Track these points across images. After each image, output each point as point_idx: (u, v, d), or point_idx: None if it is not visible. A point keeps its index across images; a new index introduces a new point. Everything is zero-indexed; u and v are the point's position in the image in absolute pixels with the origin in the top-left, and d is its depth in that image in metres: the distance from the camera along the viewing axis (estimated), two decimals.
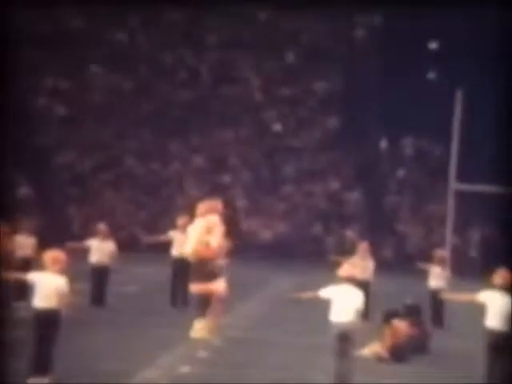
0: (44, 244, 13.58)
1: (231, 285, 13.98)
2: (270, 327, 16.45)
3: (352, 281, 13.20)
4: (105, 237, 17.88)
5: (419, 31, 34.05)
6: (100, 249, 17.74)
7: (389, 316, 14.77)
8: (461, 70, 31.53)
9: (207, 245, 13.33)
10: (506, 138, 30.50)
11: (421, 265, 19.04)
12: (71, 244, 16.46)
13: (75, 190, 32.74)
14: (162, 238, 18.93)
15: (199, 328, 13.48)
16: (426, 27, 33.91)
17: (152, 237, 20.76)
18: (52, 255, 10.55)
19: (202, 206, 13.72)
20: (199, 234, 13.45)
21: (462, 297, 12.39)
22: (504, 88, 31.97)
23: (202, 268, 13.31)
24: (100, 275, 17.59)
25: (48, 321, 10.24)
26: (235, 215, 14.15)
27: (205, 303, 13.46)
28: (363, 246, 18.66)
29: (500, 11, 32.04)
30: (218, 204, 13.72)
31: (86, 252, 17.71)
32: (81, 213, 31.75)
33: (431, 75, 35.94)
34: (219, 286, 13.34)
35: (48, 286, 10.32)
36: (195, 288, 13.49)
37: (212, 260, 13.33)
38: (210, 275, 13.29)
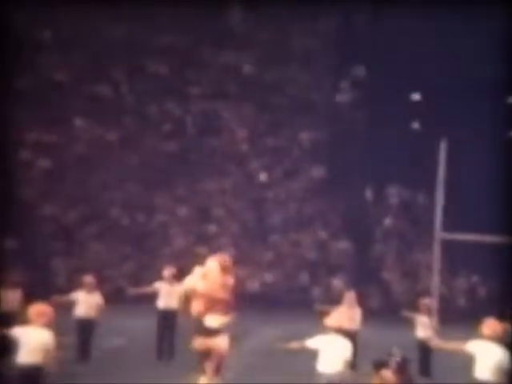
0: (29, 297, 13.48)
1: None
2: (255, 378, 16.31)
3: (339, 331, 13.15)
4: (91, 289, 17.76)
5: (403, 82, 34.37)
6: (86, 302, 17.61)
7: (378, 366, 14.67)
8: (445, 121, 31.81)
9: (212, 299, 13.06)
10: (491, 187, 30.66)
11: (407, 314, 19.00)
12: (57, 297, 16.33)
13: (60, 243, 32.62)
14: (147, 289, 18.83)
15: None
16: (410, 78, 34.24)
17: (137, 288, 20.65)
18: (37, 309, 10.46)
19: (209, 260, 13.42)
20: (193, 279, 13.23)
21: (451, 345, 12.33)
22: (487, 137, 32.25)
23: (203, 323, 13.07)
24: (86, 328, 17.44)
25: (31, 377, 10.12)
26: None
27: (204, 360, 13.22)
28: (350, 296, 18.61)
29: (482, 61, 32.44)
30: (225, 258, 13.45)
31: (71, 305, 17.57)
32: (66, 265, 31.60)
33: (415, 125, 36.21)
34: (221, 342, 13.09)
35: (33, 341, 10.22)
36: (197, 343, 13.22)
37: (214, 315, 13.05)
38: (212, 331, 13.01)
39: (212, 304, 12.93)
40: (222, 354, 13.08)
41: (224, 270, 13.15)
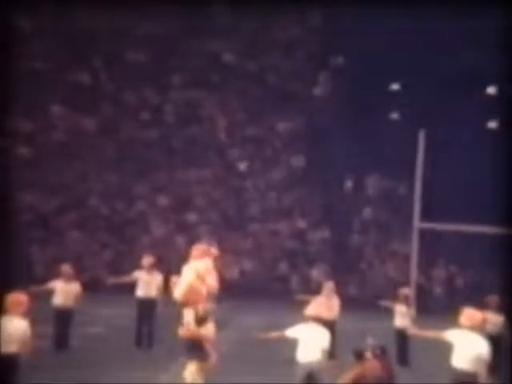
0: (6, 286, 13.40)
1: None
2: (235, 368, 16.32)
3: (318, 320, 13.19)
4: (69, 278, 17.69)
5: (382, 72, 34.41)
6: (64, 291, 17.54)
7: (358, 355, 14.73)
8: (424, 111, 31.90)
9: (194, 289, 13.17)
10: (470, 177, 30.79)
11: (385, 303, 19.07)
12: (35, 287, 16.25)
13: (38, 232, 32.47)
14: (126, 278, 18.78)
15: (192, 371, 13.25)
16: (389, 68, 34.28)
17: (116, 278, 20.60)
18: (14, 298, 10.40)
19: (195, 250, 13.58)
20: (190, 277, 13.30)
21: (429, 334, 12.37)
22: (466, 126, 32.38)
23: (190, 312, 13.14)
24: (64, 318, 17.37)
25: (8, 366, 10.07)
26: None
27: (195, 347, 13.25)
28: (328, 285, 18.66)
29: (461, 52, 32.52)
30: (211, 248, 13.63)
31: (49, 294, 17.50)
32: (44, 254, 31.46)
33: (394, 115, 36.28)
34: (209, 330, 13.18)
35: (9, 330, 10.16)
36: (185, 332, 13.27)
37: (202, 305, 13.16)
38: (200, 320, 13.13)
39: (202, 296, 13.05)
40: (208, 340, 13.13)
41: (215, 263, 13.35)
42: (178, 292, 13.39)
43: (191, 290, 13.11)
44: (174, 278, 13.54)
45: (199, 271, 13.20)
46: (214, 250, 13.58)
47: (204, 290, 13.17)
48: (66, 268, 17.90)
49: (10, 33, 34.90)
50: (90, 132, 35.40)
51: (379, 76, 34.44)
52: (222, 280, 13.42)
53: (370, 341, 15.65)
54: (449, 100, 32.80)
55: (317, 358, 12.88)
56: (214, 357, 13.31)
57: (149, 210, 34.07)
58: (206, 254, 13.46)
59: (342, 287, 22.13)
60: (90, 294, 18.99)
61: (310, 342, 13.01)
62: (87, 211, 33.57)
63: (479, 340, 11.72)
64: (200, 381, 13.27)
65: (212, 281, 13.18)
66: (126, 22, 35.97)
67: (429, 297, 29.84)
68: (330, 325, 15.45)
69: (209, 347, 13.22)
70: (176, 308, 13.27)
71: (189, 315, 13.02)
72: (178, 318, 13.25)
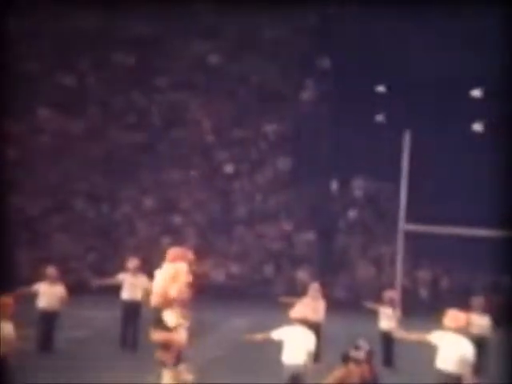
0: None
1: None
2: (222, 370, 16.31)
3: (304, 322, 13.20)
4: (54, 281, 17.64)
5: (368, 74, 34.48)
6: (49, 293, 17.49)
7: (346, 358, 14.73)
8: (409, 113, 31.97)
9: (167, 293, 13.12)
10: (454, 178, 30.90)
11: (370, 305, 19.10)
12: (19, 289, 16.20)
13: (23, 234, 32.37)
14: (111, 281, 18.74)
15: (169, 377, 13.23)
16: (374, 70, 34.36)
17: (101, 280, 20.54)
18: None
19: (171, 253, 13.53)
20: (164, 281, 13.25)
21: (414, 336, 12.40)
22: (451, 128, 32.48)
23: (161, 316, 13.11)
24: (48, 320, 17.32)
25: None
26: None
27: (165, 353, 13.22)
28: (314, 287, 18.67)
29: (446, 55, 32.62)
30: (187, 252, 13.54)
31: (34, 296, 17.45)
32: (29, 256, 31.36)
33: (380, 117, 36.36)
34: (180, 335, 13.13)
35: None
36: (156, 337, 13.24)
37: (172, 309, 13.09)
38: (170, 324, 13.06)
39: (174, 301, 12.98)
40: (180, 346, 13.09)
41: (190, 267, 13.24)
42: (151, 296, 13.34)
43: (162, 294, 13.02)
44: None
45: (171, 274, 13.11)
46: (190, 254, 13.49)
47: (176, 294, 13.07)
48: (51, 270, 17.85)
49: None
50: (76, 134, 35.33)
51: (365, 78, 34.51)
52: (199, 284, 13.33)
53: (360, 343, 15.68)
54: (434, 102, 32.90)
55: (302, 360, 12.89)
56: (180, 362, 13.22)
57: (134, 212, 34.02)
58: (180, 257, 13.37)
59: (328, 289, 22.16)
60: (75, 297, 18.94)
61: (295, 344, 13.02)
62: (73, 213, 33.49)
63: (463, 342, 11.75)
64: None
65: (183, 285, 13.05)
66: (112, 24, 35.93)
67: (414, 299, 29.89)
68: (315, 327, 15.44)
69: (175, 352, 13.11)
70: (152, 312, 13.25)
71: (163, 318, 12.95)
72: (151, 323, 13.23)
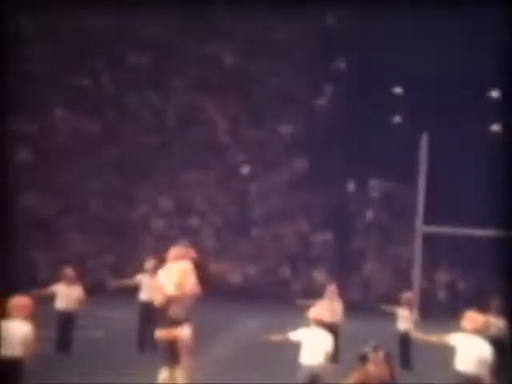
0: (8, 289, 13.39)
1: (200, 328, 13.80)
2: (238, 371, 16.30)
3: (321, 323, 13.18)
4: (71, 281, 17.67)
5: (384, 75, 34.40)
6: (66, 294, 17.52)
7: (363, 360, 14.68)
8: (426, 114, 31.88)
9: (174, 289, 13.13)
10: (472, 180, 30.77)
11: (387, 308, 19.05)
12: (37, 291, 16.22)
13: (40, 234, 32.46)
14: (129, 282, 18.75)
15: (164, 377, 13.19)
16: (391, 71, 34.28)
17: (119, 281, 20.56)
18: (17, 302, 10.39)
19: (172, 251, 13.55)
20: (168, 278, 13.24)
21: (432, 338, 12.35)
22: (469, 131, 32.35)
23: (167, 313, 13.10)
24: (66, 321, 17.35)
25: (11, 370, 10.05)
26: (204, 261, 13.92)
27: (170, 350, 13.20)
28: (331, 289, 18.64)
29: (463, 55, 32.51)
30: (189, 250, 13.57)
31: (51, 297, 17.47)
32: (46, 257, 31.45)
33: (397, 119, 36.27)
34: (184, 332, 13.10)
35: (12, 334, 10.15)
36: (160, 334, 13.23)
37: (177, 305, 13.09)
38: (176, 321, 13.06)
39: (178, 297, 12.96)
40: (185, 343, 13.05)
41: (196, 265, 13.24)
42: (160, 292, 13.33)
43: (179, 288, 13.00)
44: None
45: (182, 270, 13.10)
46: (192, 253, 13.45)
47: (191, 288, 13.06)
48: (69, 271, 17.88)
49: (12, 35, 34.91)
50: (91, 135, 35.41)
51: (381, 79, 34.44)
52: (205, 282, 13.29)
53: (378, 345, 15.63)
54: (451, 103, 32.78)
55: (319, 361, 12.86)
56: (188, 360, 13.19)
57: (151, 212, 34.06)
58: (182, 256, 13.36)
59: (345, 290, 22.11)
60: (93, 297, 18.96)
61: (312, 345, 13.00)
62: (89, 214, 33.56)
63: (482, 343, 11.70)
64: None
65: (189, 282, 13.05)
66: (128, 25, 35.99)
67: (431, 300, 29.80)
68: (332, 328, 15.41)
69: (182, 350, 13.08)
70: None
71: (169, 315, 12.93)
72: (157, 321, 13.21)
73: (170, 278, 13.16)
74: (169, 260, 13.31)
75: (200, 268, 13.38)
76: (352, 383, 13.71)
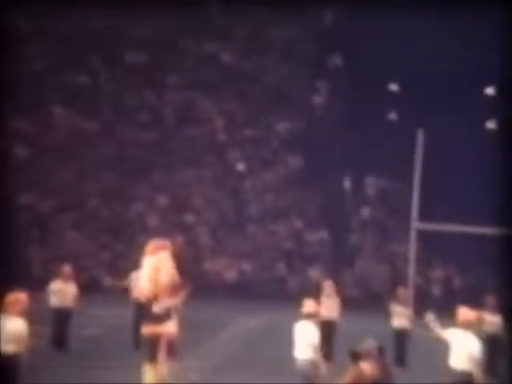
0: (4, 286, 13.40)
1: (195, 325, 13.78)
2: (234, 369, 16.32)
3: (315, 317, 13.22)
4: (67, 279, 17.69)
5: (380, 72, 34.42)
6: (62, 291, 17.54)
7: (355, 356, 14.69)
8: (422, 111, 31.91)
9: (156, 283, 12.96)
10: (468, 177, 30.81)
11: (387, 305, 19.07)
12: (36, 293, 16.21)
13: (36, 232, 32.46)
14: (124, 283, 18.76)
15: (147, 373, 13.02)
16: (387, 68, 34.30)
17: (114, 281, 20.56)
18: (12, 298, 10.41)
19: (150, 245, 13.43)
20: (148, 272, 13.10)
21: (437, 329, 12.33)
22: (464, 126, 32.39)
23: (150, 308, 12.93)
24: (61, 318, 17.37)
25: (6, 366, 10.07)
26: (182, 252, 13.89)
27: (154, 346, 13.02)
28: (328, 285, 18.66)
29: (459, 53, 32.54)
30: (166, 242, 13.43)
31: (47, 294, 17.49)
32: (41, 254, 31.45)
33: (392, 116, 36.30)
34: (169, 327, 12.92)
35: (7, 330, 10.16)
36: (145, 330, 13.05)
37: (161, 299, 12.91)
38: (160, 316, 12.87)
39: (161, 291, 12.85)
40: (171, 338, 12.92)
41: (174, 257, 13.16)
42: (139, 288, 13.24)
43: (152, 284, 12.87)
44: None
45: (154, 264, 12.97)
46: (169, 245, 13.33)
47: (166, 280, 12.91)
48: (66, 268, 17.89)
49: (10, 33, 34.90)
50: (88, 133, 35.41)
51: (378, 77, 34.46)
52: (185, 275, 13.19)
53: (371, 341, 15.65)
54: (447, 100, 32.81)
55: (307, 354, 12.92)
56: (171, 357, 13.07)
57: (147, 210, 34.06)
58: (160, 248, 13.26)
59: (341, 287, 22.13)
60: (88, 295, 18.98)
61: (300, 338, 13.10)
62: (86, 212, 33.56)
63: (472, 339, 11.73)
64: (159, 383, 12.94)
65: (167, 275, 12.89)
66: (125, 23, 35.99)
67: (427, 297, 29.83)
68: (329, 324, 15.46)
69: (167, 346, 12.95)
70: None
71: (153, 310, 12.80)
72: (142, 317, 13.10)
73: (145, 273, 13.05)
74: (146, 254, 13.17)
75: (178, 259, 13.27)
76: (346, 382, 13.75)
